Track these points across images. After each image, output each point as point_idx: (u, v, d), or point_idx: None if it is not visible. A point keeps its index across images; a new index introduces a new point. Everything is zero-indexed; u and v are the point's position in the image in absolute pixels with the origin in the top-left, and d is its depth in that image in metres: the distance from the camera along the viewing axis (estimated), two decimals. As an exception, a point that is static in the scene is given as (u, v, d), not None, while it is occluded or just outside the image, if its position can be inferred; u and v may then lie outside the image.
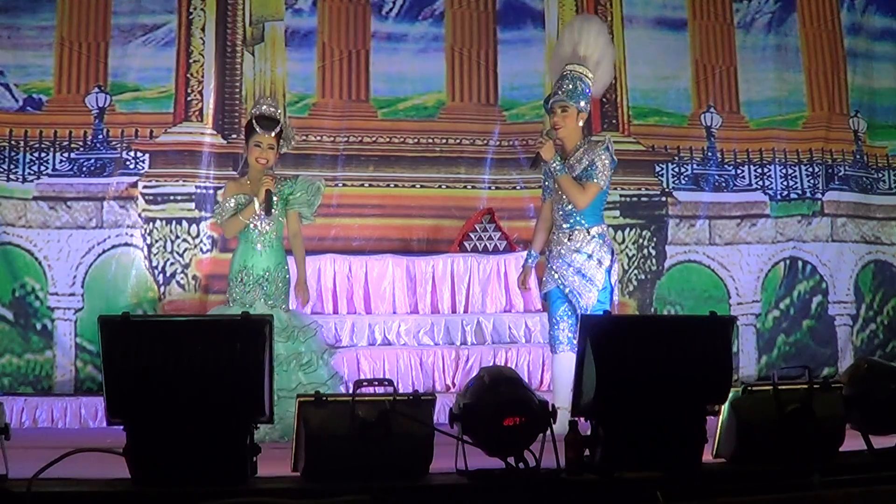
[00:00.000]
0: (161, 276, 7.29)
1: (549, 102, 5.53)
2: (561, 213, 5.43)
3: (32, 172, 7.20)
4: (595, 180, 5.32)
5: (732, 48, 8.32)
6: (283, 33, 7.74)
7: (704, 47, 8.29)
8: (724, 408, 3.86)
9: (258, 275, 5.59)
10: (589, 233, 5.36)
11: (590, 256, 5.32)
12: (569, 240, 5.37)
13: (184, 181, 7.42)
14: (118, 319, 3.39)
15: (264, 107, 5.66)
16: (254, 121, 5.61)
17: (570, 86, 5.44)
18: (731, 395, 3.85)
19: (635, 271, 7.97)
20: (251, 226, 5.60)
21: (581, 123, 5.45)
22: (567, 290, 5.33)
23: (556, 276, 5.39)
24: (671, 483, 3.43)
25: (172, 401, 3.35)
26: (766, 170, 8.26)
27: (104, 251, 7.22)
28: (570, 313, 5.35)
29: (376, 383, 3.80)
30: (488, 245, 7.55)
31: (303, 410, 3.46)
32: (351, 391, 3.59)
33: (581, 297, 5.28)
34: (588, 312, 5.13)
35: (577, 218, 5.38)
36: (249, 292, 5.56)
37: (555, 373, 5.42)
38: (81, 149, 7.29)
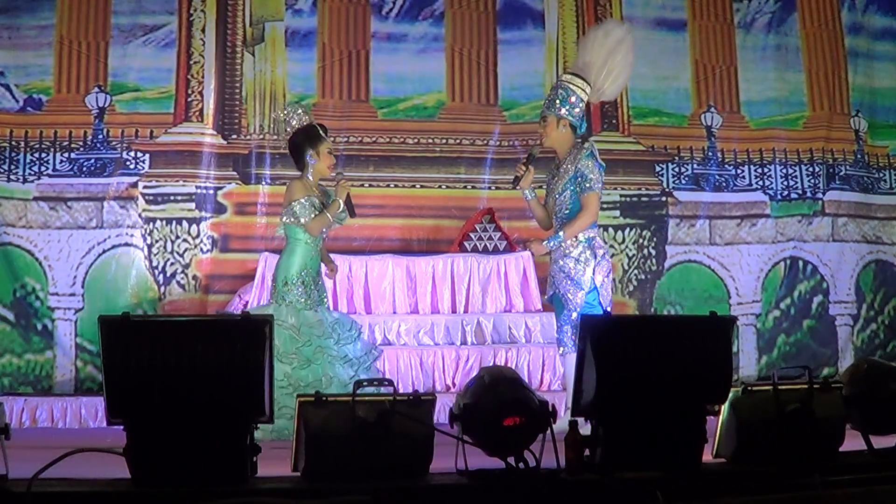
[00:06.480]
0: (161, 276, 7.30)
1: None
2: (556, 219, 5.54)
3: (33, 173, 7.21)
4: (592, 189, 5.39)
5: (732, 48, 8.32)
6: (283, 33, 7.74)
7: (704, 47, 8.29)
8: (724, 408, 3.86)
9: (314, 276, 5.64)
10: (577, 238, 5.41)
11: (577, 260, 5.39)
12: (560, 245, 5.43)
13: (184, 181, 7.43)
14: (118, 319, 3.39)
15: (304, 113, 5.71)
16: (319, 129, 5.69)
17: (551, 95, 5.58)
18: (731, 395, 3.85)
19: (635, 271, 7.97)
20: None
21: (564, 130, 5.47)
22: (560, 294, 5.43)
23: (552, 281, 5.50)
24: (671, 483, 3.43)
25: (172, 401, 3.34)
26: (766, 170, 8.26)
27: (104, 251, 7.23)
28: (569, 316, 5.42)
29: (376, 383, 3.81)
30: (488, 245, 7.55)
31: (303, 410, 3.45)
32: (351, 391, 3.59)
33: (569, 301, 5.37)
34: (578, 314, 5.22)
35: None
36: (310, 293, 5.59)
37: (565, 373, 5.55)
38: (81, 149, 7.29)
